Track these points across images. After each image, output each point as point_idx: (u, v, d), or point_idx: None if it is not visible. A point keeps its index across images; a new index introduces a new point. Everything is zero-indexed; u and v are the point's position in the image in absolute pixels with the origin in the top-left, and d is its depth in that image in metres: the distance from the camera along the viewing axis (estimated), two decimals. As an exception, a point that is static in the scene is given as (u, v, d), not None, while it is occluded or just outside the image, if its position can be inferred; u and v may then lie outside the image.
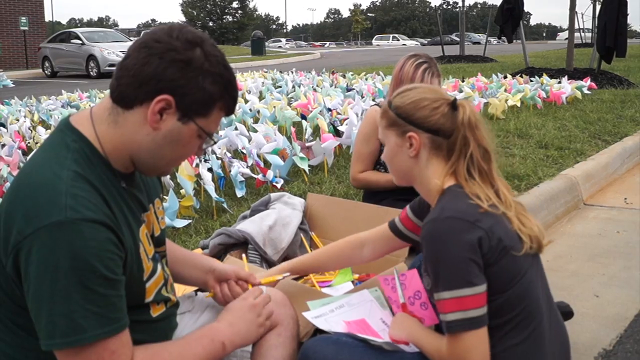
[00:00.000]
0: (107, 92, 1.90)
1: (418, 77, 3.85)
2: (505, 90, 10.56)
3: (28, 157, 5.58)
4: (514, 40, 18.11)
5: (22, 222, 1.67)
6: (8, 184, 5.31)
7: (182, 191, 5.10)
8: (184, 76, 1.79)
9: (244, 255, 2.83)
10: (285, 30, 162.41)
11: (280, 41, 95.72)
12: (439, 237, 2.06)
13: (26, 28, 30.32)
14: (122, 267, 1.79)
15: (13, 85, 19.87)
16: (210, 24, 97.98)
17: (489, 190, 2.18)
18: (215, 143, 2.00)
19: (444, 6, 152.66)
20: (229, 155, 6.28)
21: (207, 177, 5.25)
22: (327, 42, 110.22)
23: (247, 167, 5.87)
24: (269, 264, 3.84)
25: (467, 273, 2.01)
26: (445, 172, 2.24)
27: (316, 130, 7.73)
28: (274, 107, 8.80)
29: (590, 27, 29.57)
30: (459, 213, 2.08)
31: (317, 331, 2.64)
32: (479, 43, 50.23)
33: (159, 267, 2.09)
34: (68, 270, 1.63)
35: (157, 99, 1.79)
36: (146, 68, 1.78)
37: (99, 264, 1.68)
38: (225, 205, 5.15)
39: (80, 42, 26.62)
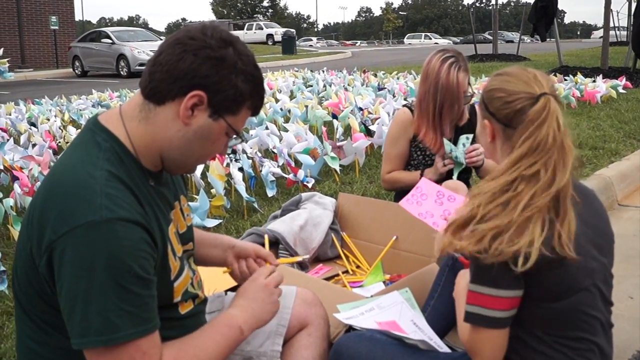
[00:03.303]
0: (137, 90, 1.91)
1: (444, 72, 3.84)
2: (539, 89, 10.46)
3: (58, 157, 5.66)
4: (548, 39, 17.97)
5: (56, 221, 1.68)
6: (39, 184, 5.36)
7: (213, 191, 5.13)
8: (217, 73, 1.82)
9: (266, 236, 2.80)
10: (316, 29, 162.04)
11: (311, 40, 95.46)
12: None
13: (56, 27, 30.41)
14: (154, 267, 1.81)
15: (12, 77, 19.50)
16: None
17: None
18: (242, 141, 2.02)
19: (477, 4, 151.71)
20: (259, 154, 6.31)
21: (237, 176, 5.28)
22: (359, 41, 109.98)
23: (278, 167, 5.90)
24: (300, 264, 3.86)
25: (495, 275, 1.97)
26: None
27: (347, 130, 7.74)
28: (305, 106, 8.83)
29: (626, 25, 29.22)
30: None
31: (348, 331, 2.65)
32: (512, 41, 49.81)
33: (186, 266, 2.10)
34: (103, 269, 1.64)
35: (190, 94, 1.81)
36: (180, 64, 1.80)
37: (134, 263, 1.69)
38: (255, 205, 5.17)
39: (110, 41, 26.70)
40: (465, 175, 4.13)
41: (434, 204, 2.93)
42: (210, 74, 1.81)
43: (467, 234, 2.00)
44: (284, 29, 54.76)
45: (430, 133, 3.98)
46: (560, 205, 2.01)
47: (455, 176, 3.91)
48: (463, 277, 2.36)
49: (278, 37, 48.70)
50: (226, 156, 5.80)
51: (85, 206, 1.68)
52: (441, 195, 2.96)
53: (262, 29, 56.24)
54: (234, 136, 1.95)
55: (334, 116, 8.16)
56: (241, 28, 59.28)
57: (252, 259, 2.40)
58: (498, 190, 2.01)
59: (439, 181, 3.88)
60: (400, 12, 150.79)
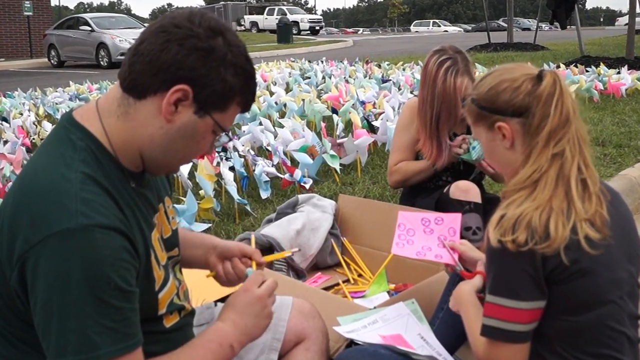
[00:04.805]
0: (117, 82, 1.88)
1: (440, 79, 3.87)
2: (558, 82, 10.47)
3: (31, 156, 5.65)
4: (568, 26, 17.98)
5: (28, 230, 1.66)
6: (11, 184, 5.35)
7: (202, 192, 5.12)
8: (204, 65, 1.78)
9: (252, 235, 2.75)
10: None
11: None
12: None
13: (30, 13, 30.29)
14: (135, 277, 1.78)
15: None
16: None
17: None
18: (230, 140, 1.98)
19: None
20: (252, 152, 6.30)
21: (228, 176, 5.27)
22: (361, 29, 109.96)
23: (272, 166, 5.89)
24: (297, 272, 3.85)
25: (516, 284, 1.98)
26: None
27: (348, 126, 7.73)
28: (302, 100, 8.82)
29: (653, 12, 29.22)
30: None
31: (349, 346, 2.65)
32: (528, 29, 49.79)
33: (171, 275, 2.08)
34: (80, 281, 1.62)
35: (173, 88, 1.77)
36: (164, 54, 1.76)
37: (114, 274, 1.66)
38: (248, 208, 5.16)
39: (89, 28, 26.58)
40: (478, 177, 4.14)
41: (425, 235, 2.91)
42: (197, 67, 1.77)
43: (500, 223, 2.01)
44: (311, 16, 53.62)
45: (428, 143, 3.98)
46: (588, 185, 2.06)
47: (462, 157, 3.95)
48: (464, 284, 2.37)
49: (305, 25, 46.47)
50: (216, 154, 5.79)
51: (60, 212, 1.65)
52: (427, 222, 2.94)
53: (285, 14, 54.72)
54: (222, 134, 1.93)
55: (334, 111, 8.15)
56: (260, 12, 58.53)
57: (237, 258, 2.36)
58: (530, 174, 2.07)
59: (451, 171, 3.91)
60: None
